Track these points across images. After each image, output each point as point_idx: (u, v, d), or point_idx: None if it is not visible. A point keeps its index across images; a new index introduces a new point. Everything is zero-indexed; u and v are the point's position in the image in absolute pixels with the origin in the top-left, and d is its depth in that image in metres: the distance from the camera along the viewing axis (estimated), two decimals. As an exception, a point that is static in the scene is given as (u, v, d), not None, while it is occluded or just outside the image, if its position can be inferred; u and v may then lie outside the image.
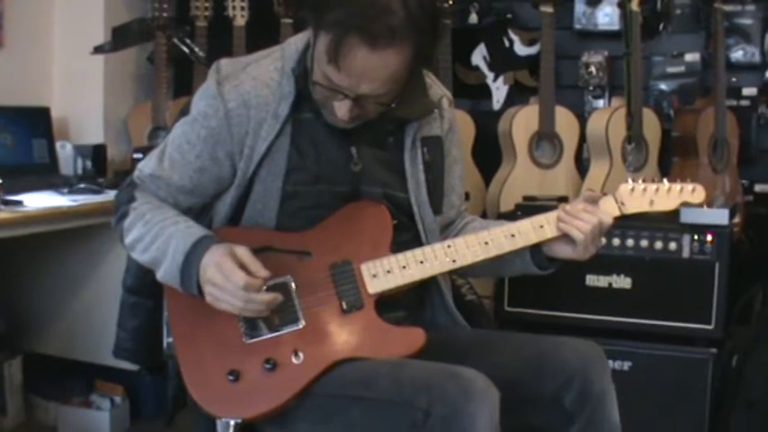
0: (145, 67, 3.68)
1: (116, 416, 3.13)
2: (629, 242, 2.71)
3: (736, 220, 2.96)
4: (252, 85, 1.72)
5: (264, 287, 1.62)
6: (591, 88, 3.42)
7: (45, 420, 3.22)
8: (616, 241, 2.71)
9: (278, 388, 1.63)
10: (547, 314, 2.79)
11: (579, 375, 1.66)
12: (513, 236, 1.77)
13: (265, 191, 1.73)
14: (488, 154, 3.34)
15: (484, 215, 3.15)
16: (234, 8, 3.35)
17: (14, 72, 3.35)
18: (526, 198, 2.95)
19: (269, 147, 1.72)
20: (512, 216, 2.32)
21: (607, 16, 3.36)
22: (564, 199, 2.87)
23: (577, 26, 3.41)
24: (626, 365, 2.68)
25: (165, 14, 3.32)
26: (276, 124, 1.72)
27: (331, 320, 1.69)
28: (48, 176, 3.12)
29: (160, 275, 1.70)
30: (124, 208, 1.77)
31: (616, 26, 3.32)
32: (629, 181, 1.83)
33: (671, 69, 3.35)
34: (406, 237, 1.79)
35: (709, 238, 2.64)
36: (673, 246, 2.67)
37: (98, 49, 3.33)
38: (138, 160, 1.90)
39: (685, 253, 2.66)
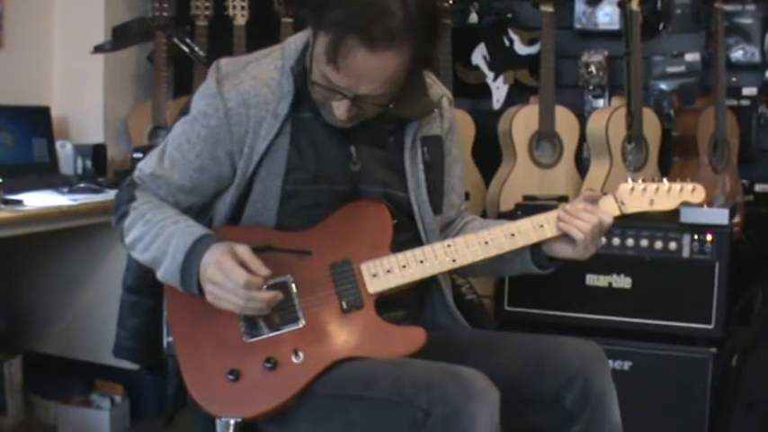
0: (145, 67, 3.68)
1: (116, 415, 3.13)
2: (630, 242, 2.71)
3: (737, 219, 2.96)
4: (251, 84, 1.72)
5: (265, 286, 1.62)
6: (591, 88, 3.42)
7: (45, 420, 3.22)
8: (616, 241, 2.71)
9: (278, 387, 1.63)
10: (547, 314, 2.79)
11: (580, 375, 1.66)
12: (513, 235, 1.77)
13: (265, 190, 1.73)
14: (488, 153, 3.34)
15: (484, 215, 3.15)
16: (234, 7, 3.35)
17: (14, 71, 3.35)
18: (526, 198, 2.95)
19: (269, 146, 1.72)
20: (512, 216, 2.31)
21: (607, 16, 3.36)
22: (564, 198, 2.87)
23: (577, 26, 3.41)
24: (626, 365, 2.68)
25: (165, 14, 3.32)
26: (276, 123, 1.72)
27: (331, 320, 1.69)
28: (48, 176, 3.12)
29: (160, 275, 1.70)
30: (124, 207, 1.77)
31: (616, 26, 3.32)
32: (629, 181, 1.83)
33: (671, 69, 3.35)
34: (406, 236, 1.79)
35: (709, 237, 2.64)
36: (673, 245, 2.67)
37: (98, 49, 3.32)
38: (138, 160, 1.90)
39: (685, 253, 2.66)
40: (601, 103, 3.42)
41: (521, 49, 3.50)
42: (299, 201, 1.74)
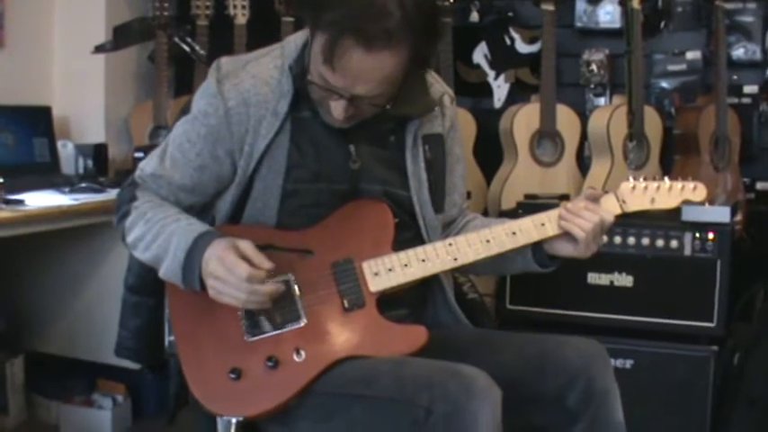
0: (146, 66, 3.68)
1: (118, 415, 3.13)
2: (631, 240, 2.70)
3: (738, 217, 2.96)
4: (251, 83, 1.72)
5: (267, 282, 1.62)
6: (592, 86, 3.42)
7: (47, 419, 3.22)
8: (617, 239, 2.71)
9: (279, 386, 1.63)
10: (548, 312, 2.79)
11: (582, 374, 1.66)
12: (514, 234, 1.77)
13: (266, 189, 1.73)
14: (490, 152, 3.34)
15: (485, 213, 3.15)
16: (235, 7, 3.35)
17: (15, 71, 3.35)
18: (527, 196, 2.95)
19: (269, 144, 1.72)
20: (513, 214, 2.32)
21: (608, 14, 3.36)
22: (565, 197, 2.87)
23: (578, 24, 3.41)
24: (628, 363, 2.68)
25: (165, 13, 3.32)
26: (276, 122, 1.72)
27: (333, 319, 1.69)
28: (49, 176, 3.12)
29: (162, 273, 1.70)
30: (126, 207, 1.77)
31: (617, 24, 3.32)
32: (631, 179, 1.83)
33: (672, 67, 3.35)
34: (408, 235, 1.79)
35: (710, 235, 2.63)
36: (674, 243, 2.67)
37: (99, 49, 3.33)
38: (140, 159, 1.90)
39: (687, 251, 2.66)
40: (602, 101, 3.42)
41: (522, 47, 3.50)
42: (300, 199, 1.74)
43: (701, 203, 1.88)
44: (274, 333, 1.67)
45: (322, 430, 1.64)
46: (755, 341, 2.70)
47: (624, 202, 1.81)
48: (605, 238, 1.86)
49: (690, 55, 3.33)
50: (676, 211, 2.22)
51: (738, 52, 3.24)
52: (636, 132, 3.07)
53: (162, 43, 3.37)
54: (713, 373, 2.62)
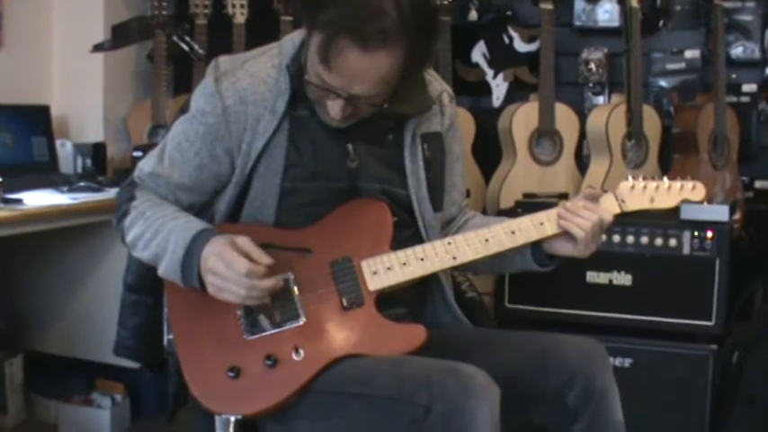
0: (144, 65, 3.68)
1: (117, 414, 3.13)
2: (630, 239, 2.70)
3: (737, 216, 2.96)
4: (249, 81, 1.72)
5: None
6: (591, 85, 3.42)
7: (46, 419, 3.22)
8: (616, 238, 2.71)
9: (278, 384, 1.63)
10: (547, 311, 2.79)
11: (581, 373, 1.66)
12: (513, 233, 1.77)
13: (264, 187, 1.73)
14: (488, 151, 3.34)
15: (484, 212, 3.14)
16: (233, 6, 3.35)
17: (14, 70, 3.35)
18: (526, 195, 2.95)
19: (266, 143, 1.72)
20: (512, 213, 2.32)
21: (607, 13, 3.36)
22: (564, 196, 2.87)
23: (577, 23, 3.41)
24: (627, 362, 2.68)
25: (164, 12, 3.33)
26: (273, 120, 1.72)
27: (331, 317, 1.69)
28: (47, 175, 3.12)
29: (161, 271, 1.70)
30: (125, 207, 1.77)
31: (616, 23, 3.32)
32: (630, 178, 1.83)
33: (671, 66, 3.35)
34: (407, 234, 1.79)
35: (709, 234, 2.63)
36: (673, 242, 2.67)
37: (98, 48, 3.33)
38: (138, 158, 1.90)
39: (686, 249, 2.66)
40: (601, 100, 3.42)
41: (520, 46, 3.50)
42: (298, 198, 1.74)
43: (700, 202, 1.88)
44: (273, 331, 1.67)
45: (320, 429, 1.64)
46: (754, 340, 2.71)
47: (623, 201, 1.81)
48: (604, 237, 1.85)
49: (689, 54, 3.33)
50: (675, 210, 2.21)
51: (737, 51, 3.24)
52: (635, 131, 3.07)
53: (160, 42, 3.36)
54: (712, 371, 2.62)
